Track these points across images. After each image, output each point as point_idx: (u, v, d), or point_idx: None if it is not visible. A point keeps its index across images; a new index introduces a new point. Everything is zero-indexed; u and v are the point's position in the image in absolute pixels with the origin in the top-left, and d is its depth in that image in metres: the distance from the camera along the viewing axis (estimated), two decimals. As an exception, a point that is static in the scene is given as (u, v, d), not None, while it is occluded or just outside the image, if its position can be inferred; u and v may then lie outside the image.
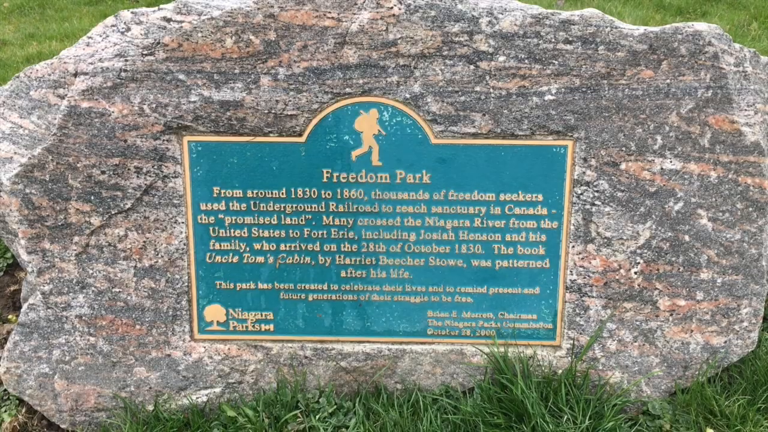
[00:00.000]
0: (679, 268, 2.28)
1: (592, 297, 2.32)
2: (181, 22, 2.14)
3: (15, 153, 2.23)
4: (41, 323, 2.35)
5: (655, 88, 2.14)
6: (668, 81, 2.14)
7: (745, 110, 2.17)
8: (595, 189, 2.23)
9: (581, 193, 2.24)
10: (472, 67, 2.15)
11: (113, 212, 2.26)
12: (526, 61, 2.14)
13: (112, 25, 2.20)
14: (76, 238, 2.28)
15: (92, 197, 2.24)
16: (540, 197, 2.27)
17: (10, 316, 2.87)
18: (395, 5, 2.12)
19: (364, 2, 2.12)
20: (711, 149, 2.18)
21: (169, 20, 2.15)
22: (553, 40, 2.13)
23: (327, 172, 2.27)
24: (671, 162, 2.20)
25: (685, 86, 2.14)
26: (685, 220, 2.24)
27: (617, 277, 2.30)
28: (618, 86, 2.15)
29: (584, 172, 2.23)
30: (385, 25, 2.13)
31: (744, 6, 6.15)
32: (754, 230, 2.25)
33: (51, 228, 2.26)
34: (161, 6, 2.20)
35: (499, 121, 2.19)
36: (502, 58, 2.15)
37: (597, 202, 2.24)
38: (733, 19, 5.78)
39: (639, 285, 2.29)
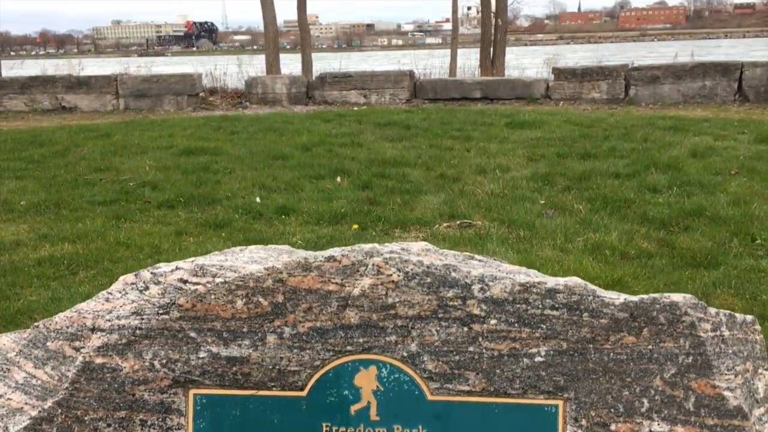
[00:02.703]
0: None
1: None
2: (197, 284, 2.31)
3: (26, 404, 2.31)
4: None
5: (638, 353, 2.28)
6: (650, 347, 2.27)
7: (726, 374, 2.29)
8: (587, 448, 2.30)
9: (574, 452, 2.30)
10: (465, 329, 2.30)
11: (114, 463, 2.30)
12: (516, 324, 2.29)
13: (132, 283, 2.38)
14: (74, 490, 2.30)
15: (96, 449, 2.30)
16: (534, 454, 2.33)
17: None
18: (394, 273, 2.30)
19: (365, 270, 2.31)
20: (696, 412, 2.27)
21: (185, 282, 2.32)
22: (540, 306, 2.29)
23: (326, 426, 2.34)
24: (659, 425, 2.28)
25: (667, 352, 2.27)
26: (676, 482, 2.28)
27: None
28: (603, 350, 2.28)
29: None
30: (384, 290, 2.30)
31: (724, 221, 6.47)
32: (746, 493, 2.28)
33: (51, 479, 2.29)
34: (178, 266, 2.38)
35: (492, 380, 2.30)
36: (493, 322, 2.30)
37: (589, 462, 2.30)
38: (715, 235, 6.06)
39: None
